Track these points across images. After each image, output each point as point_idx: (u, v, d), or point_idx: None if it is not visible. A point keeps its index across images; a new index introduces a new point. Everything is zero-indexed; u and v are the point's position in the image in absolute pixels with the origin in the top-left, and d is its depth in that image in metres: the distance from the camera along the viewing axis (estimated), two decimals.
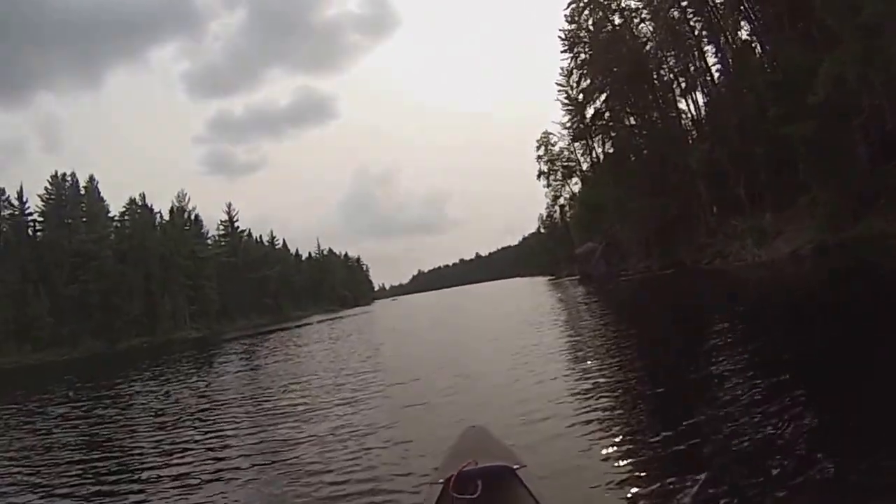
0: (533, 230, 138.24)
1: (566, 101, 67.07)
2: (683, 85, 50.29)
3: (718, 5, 43.47)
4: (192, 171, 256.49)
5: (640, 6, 51.64)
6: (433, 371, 14.00)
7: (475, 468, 4.09)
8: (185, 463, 8.60)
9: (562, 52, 60.50)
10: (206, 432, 10.61)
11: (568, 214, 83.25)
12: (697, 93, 49.63)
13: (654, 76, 50.47)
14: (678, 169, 44.62)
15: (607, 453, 6.42)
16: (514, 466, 4.17)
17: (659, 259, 46.36)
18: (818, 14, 28.67)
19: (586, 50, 57.50)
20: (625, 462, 6.14)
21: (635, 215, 48.70)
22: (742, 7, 40.65)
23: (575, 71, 60.50)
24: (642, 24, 52.34)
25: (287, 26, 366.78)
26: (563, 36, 59.85)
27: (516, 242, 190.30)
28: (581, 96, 61.02)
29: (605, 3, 54.01)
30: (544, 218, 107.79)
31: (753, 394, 7.68)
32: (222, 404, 13.63)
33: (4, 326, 68.92)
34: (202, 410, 13.16)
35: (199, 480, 7.63)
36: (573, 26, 58.47)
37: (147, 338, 74.86)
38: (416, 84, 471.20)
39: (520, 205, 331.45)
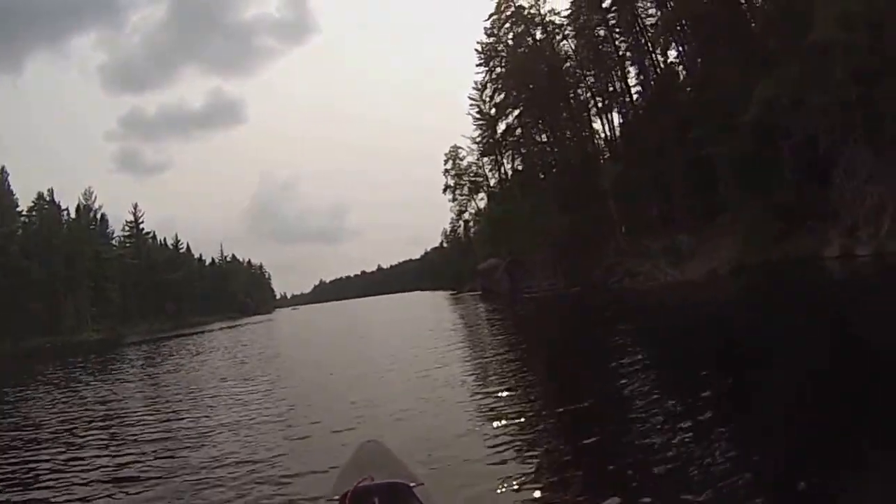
0: (436, 244, 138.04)
1: (478, 116, 66.55)
2: (600, 104, 50.15)
3: (648, 27, 43.58)
4: (102, 168, 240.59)
5: (566, 23, 51.19)
6: (331, 385, 14.12)
7: (372, 484, 3.89)
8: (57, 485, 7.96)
9: (477, 65, 60.16)
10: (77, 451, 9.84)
11: (472, 230, 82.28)
12: (614, 113, 49.76)
13: (572, 94, 49.87)
14: (589, 187, 44.00)
15: (507, 474, 6.36)
16: (412, 484, 4.02)
17: (565, 277, 45.26)
18: (757, 36, 28.33)
19: (503, 64, 56.75)
20: (525, 483, 6.11)
21: (542, 232, 47.73)
22: (677, 27, 40.42)
23: (489, 85, 59.68)
24: (564, 42, 51.97)
25: (205, 24, 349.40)
26: (479, 49, 59.30)
27: (418, 256, 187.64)
28: (494, 111, 60.15)
29: (529, 16, 53.29)
30: (448, 232, 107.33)
31: (654, 411, 8.03)
32: (105, 419, 12.80)
33: None
34: (82, 426, 12.18)
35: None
36: (492, 39, 57.88)
37: (50, 338, 71.21)
38: (326, 92, 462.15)
39: (424, 218, 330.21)
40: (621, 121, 49.27)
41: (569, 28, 51.40)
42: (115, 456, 9.24)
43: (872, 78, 23.77)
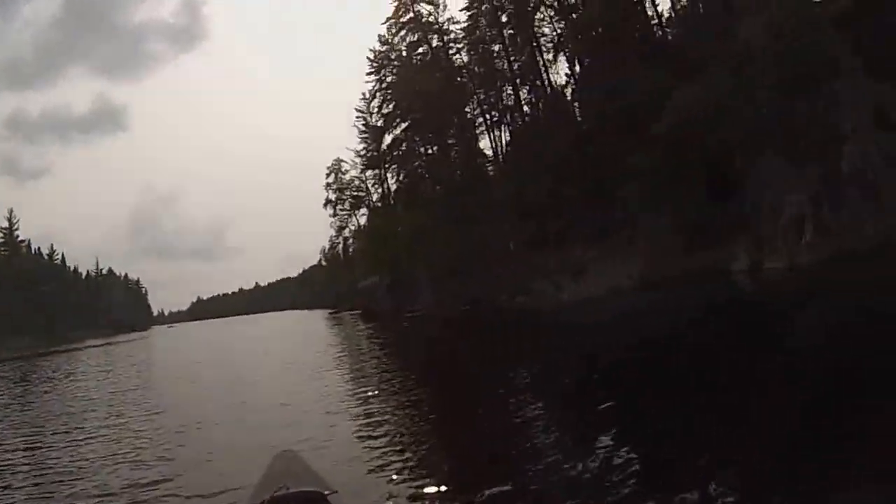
0: (314, 262, 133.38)
1: (363, 128, 63.61)
2: (489, 120, 48.18)
3: (544, 43, 42.25)
4: None
5: (462, 35, 48.86)
6: (216, 405, 14.06)
7: (287, 493, 4.05)
8: None
9: (368, 73, 56.52)
10: None
11: (352, 247, 78.21)
12: (504, 128, 47.89)
13: (464, 107, 47.16)
14: (479, 203, 41.59)
15: (408, 478, 6.97)
16: (325, 492, 4.19)
17: (452, 296, 42.30)
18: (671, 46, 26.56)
19: (394, 73, 53.69)
20: (428, 491, 6.48)
21: (428, 249, 44.76)
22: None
23: (378, 95, 56.41)
24: (458, 55, 49.77)
25: (97, 24, 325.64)
26: (371, 57, 56.05)
27: (296, 274, 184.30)
28: (381, 122, 56.99)
29: (427, 23, 50.66)
30: (326, 250, 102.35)
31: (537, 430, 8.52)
32: None
33: None
34: None
35: None
36: (385, 48, 54.85)
37: None
38: (211, 101, 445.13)
39: (304, 235, 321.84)
40: (509, 137, 47.51)
41: (464, 41, 49.21)
42: None
43: (796, 89, 22.65)
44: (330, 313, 78.71)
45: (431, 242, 43.81)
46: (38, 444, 11.91)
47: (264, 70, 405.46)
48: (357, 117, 63.69)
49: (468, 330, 28.70)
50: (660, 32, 34.61)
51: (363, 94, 62.02)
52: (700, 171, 26.83)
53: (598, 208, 31.73)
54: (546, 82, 42.83)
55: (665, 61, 29.57)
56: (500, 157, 47.67)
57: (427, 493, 6.34)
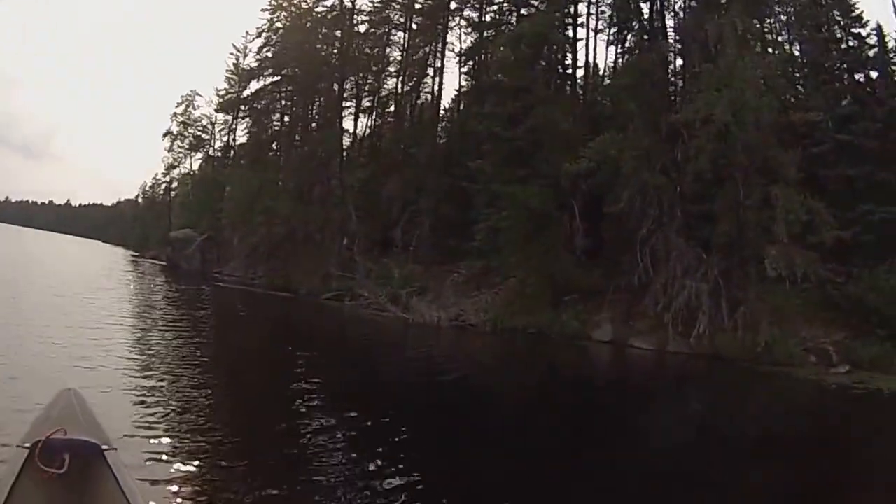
0: (131, 197, 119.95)
1: (232, 68, 57.04)
2: (359, 102, 43.80)
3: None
4: None
5: (371, 9, 43.50)
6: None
7: (63, 438, 3.76)
8: None
9: (262, 10, 49.74)
10: None
11: (175, 191, 70.16)
12: (369, 116, 44.08)
13: (343, 80, 41.92)
14: (326, 186, 37.01)
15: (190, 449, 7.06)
16: (104, 447, 3.91)
17: (266, 276, 37.25)
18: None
19: (289, 18, 47.33)
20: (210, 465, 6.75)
21: (256, 217, 39.26)
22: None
23: (264, 36, 49.85)
24: (361, 26, 44.09)
25: None
26: None
27: (110, 203, 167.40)
28: (256, 65, 50.47)
29: None
30: (147, 187, 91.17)
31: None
32: None
33: None
34: None
35: None
36: None
37: None
38: None
39: (129, 167, 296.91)
40: (370, 127, 44.29)
41: (370, 14, 43.73)
42: None
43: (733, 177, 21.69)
44: (132, 256, 72.06)
45: (262, 210, 38.31)
46: None
47: None
48: (231, 54, 57.34)
49: (285, 319, 26.60)
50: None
51: (246, 32, 56.28)
52: (589, 223, 25.56)
53: (453, 232, 29.67)
54: (435, 88, 39.72)
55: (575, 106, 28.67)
56: (358, 144, 43.80)
57: (202, 468, 6.53)
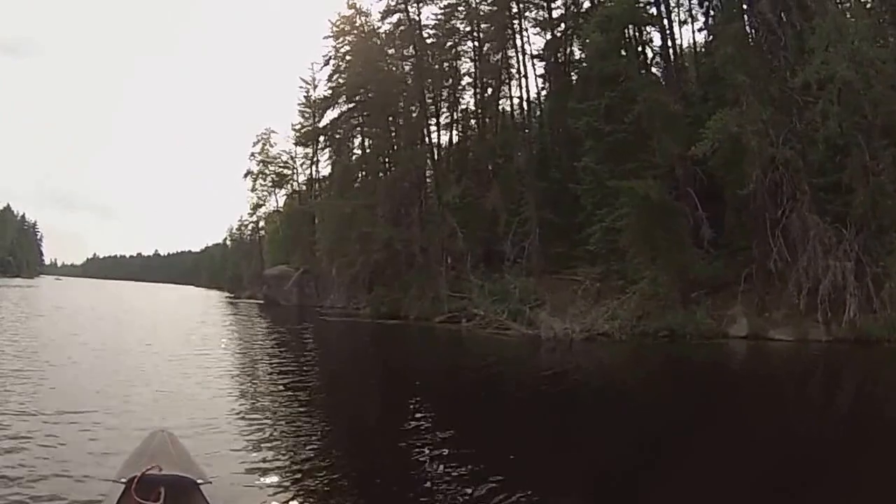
0: (218, 241, 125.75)
1: (304, 100, 58.20)
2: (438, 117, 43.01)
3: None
4: None
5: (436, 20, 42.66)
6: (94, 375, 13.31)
7: (159, 474, 3.92)
8: None
9: (325, 37, 49.90)
10: None
11: (263, 230, 71.74)
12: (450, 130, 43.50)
13: (423, 97, 41.59)
14: (423, 205, 37.18)
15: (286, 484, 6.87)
16: (199, 481, 4.07)
17: (371, 304, 37.19)
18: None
19: (355, 40, 47.30)
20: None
21: (353, 245, 39.02)
22: None
23: (332, 62, 50.11)
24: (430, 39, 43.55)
25: None
26: (333, 20, 49.23)
27: (198, 249, 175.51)
28: (330, 93, 50.80)
29: None
30: (234, 230, 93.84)
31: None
32: None
33: None
34: None
35: None
36: (351, 12, 48.26)
37: None
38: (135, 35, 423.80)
39: (212, 213, 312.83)
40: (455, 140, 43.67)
41: (435, 28, 43.04)
42: None
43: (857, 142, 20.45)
44: (227, 297, 74.12)
45: (360, 237, 38.01)
46: None
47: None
48: (301, 87, 58.34)
49: (396, 346, 25.83)
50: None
51: (311, 65, 57.40)
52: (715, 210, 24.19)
53: (563, 238, 29.01)
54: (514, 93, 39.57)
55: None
56: (446, 160, 42.89)
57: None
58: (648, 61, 29.87)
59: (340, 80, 49.30)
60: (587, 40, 28.80)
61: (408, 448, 8.69)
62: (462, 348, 24.90)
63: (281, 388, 13.35)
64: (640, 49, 29.68)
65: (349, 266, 40.36)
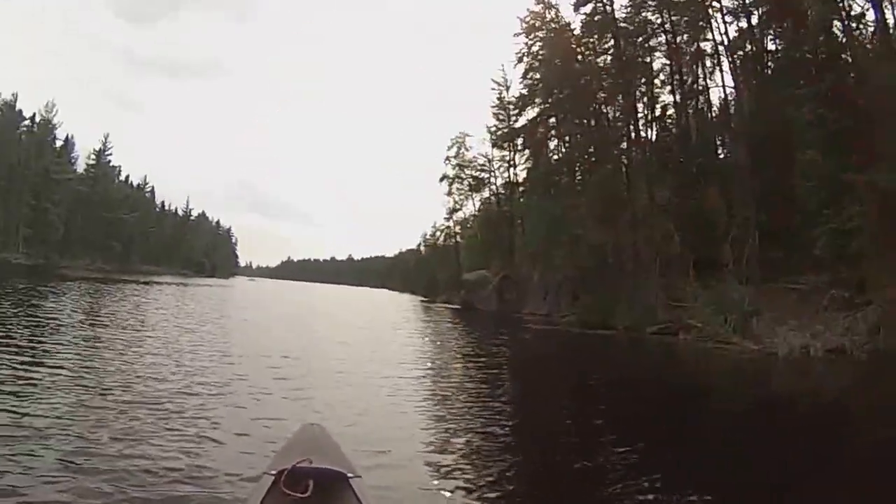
0: (411, 247, 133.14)
1: (497, 102, 58.94)
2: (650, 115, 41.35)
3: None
4: (91, 99, 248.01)
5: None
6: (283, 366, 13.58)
7: (309, 467, 3.90)
8: None
9: (515, 34, 50.34)
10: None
11: (459, 235, 73.51)
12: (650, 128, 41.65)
13: (630, 89, 40.71)
14: (633, 207, 35.86)
15: (446, 484, 6.59)
16: (349, 475, 4.04)
17: (577, 312, 36.42)
18: None
19: (549, 35, 47.26)
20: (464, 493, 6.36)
21: (561, 249, 38.75)
22: None
23: (525, 60, 50.38)
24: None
25: None
26: (523, 16, 49.68)
27: (391, 255, 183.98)
28: (525, 91, 51.12)
29: None
30: (428, 236, 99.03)
31: None
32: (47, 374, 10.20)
33: None
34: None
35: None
36: (539, 7, 48.47)
37: None
38: (320, 59, 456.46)
39: (403, 218, 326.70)
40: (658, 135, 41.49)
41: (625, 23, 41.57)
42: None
43: None
44: (422, 301, 75.58)
45: (564, 243, 37.54)
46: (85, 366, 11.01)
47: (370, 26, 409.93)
48: (493, 89, 59.20)
49: (601, 357, 23.91)
50: None
51: (502, 65, 58.03)
52: None
53: (777, 242, 26.98)
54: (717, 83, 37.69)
55: None
56: (651, 157, 40.89)
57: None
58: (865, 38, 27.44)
59: (535, 77, 49.51)
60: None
61: (594, 466, 7.93)
62: (677, 362, 23.03)
63: (469, 389, 13.26)
64: (854, 25, 27.35)
65: (554, 271, 40.22)
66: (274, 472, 3.90)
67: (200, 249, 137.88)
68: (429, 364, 17.28)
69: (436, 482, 6.61)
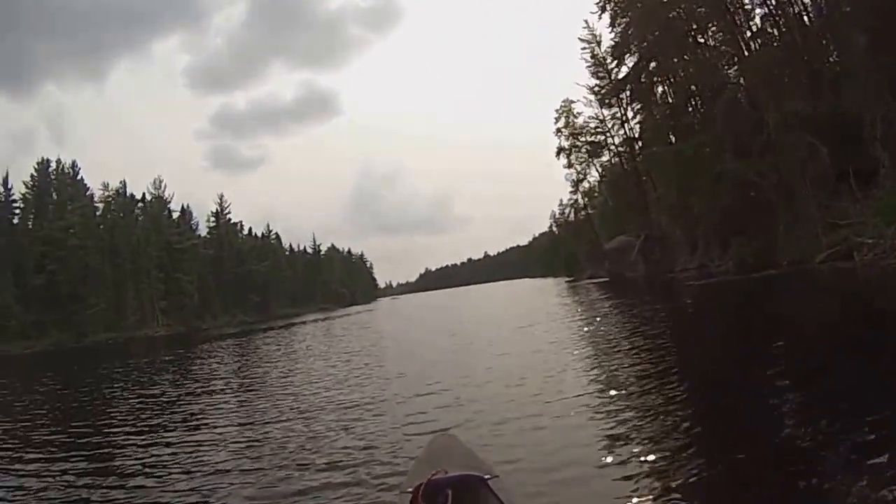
0: (543, 230, 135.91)
1: (591, 60, 57.60)
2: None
3: None
4: (195, 168, 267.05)
5: None
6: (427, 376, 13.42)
7: (444, 477, 4.09)
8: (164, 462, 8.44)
9: None
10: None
11: (588, 206, 72.16)
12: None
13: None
14: (767, 125, 32.77)
15: (592, 475, 6.06)
16: (486, 476, 4.17)
17: (731, 255, 34.58)
18: None
19: None
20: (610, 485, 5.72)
21: (699, 193, 36.80)
22: None
23: (608, 6, 48.70)
24: None
25: (288, 19, 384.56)
26: None
27: (525, 242, 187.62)
28: (619, 39, 49.56)
29: None
30: (557, 215, 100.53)
31: None
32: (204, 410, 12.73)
33: None
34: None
35: (178, 476, 7.65)
36: None
37: (114, 333, 71.94)
38: (419, 79, 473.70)
39: (530, 204, 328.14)
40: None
41: None
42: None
43: None
44: (567, 282, 73.59)
45: (706, 183, 35.71)
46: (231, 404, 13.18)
47: (466, 43, 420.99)
48: (583, 49, 57.74)
49: (772, 301, 20.79)
50: None
51: (585, 22, 56.83)
52: None
53: None
54: None
55: None
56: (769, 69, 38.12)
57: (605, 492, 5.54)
58: None
59: (624, 21, 47.83)
60: None
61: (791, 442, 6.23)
62: (865, 288, 19.56)
63: (635, 364, 11.58)
64: None
65: (696, 220, 38.38)
66: (410, 489, 4.04)
67: (337, 281, 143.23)
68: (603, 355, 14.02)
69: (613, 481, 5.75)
